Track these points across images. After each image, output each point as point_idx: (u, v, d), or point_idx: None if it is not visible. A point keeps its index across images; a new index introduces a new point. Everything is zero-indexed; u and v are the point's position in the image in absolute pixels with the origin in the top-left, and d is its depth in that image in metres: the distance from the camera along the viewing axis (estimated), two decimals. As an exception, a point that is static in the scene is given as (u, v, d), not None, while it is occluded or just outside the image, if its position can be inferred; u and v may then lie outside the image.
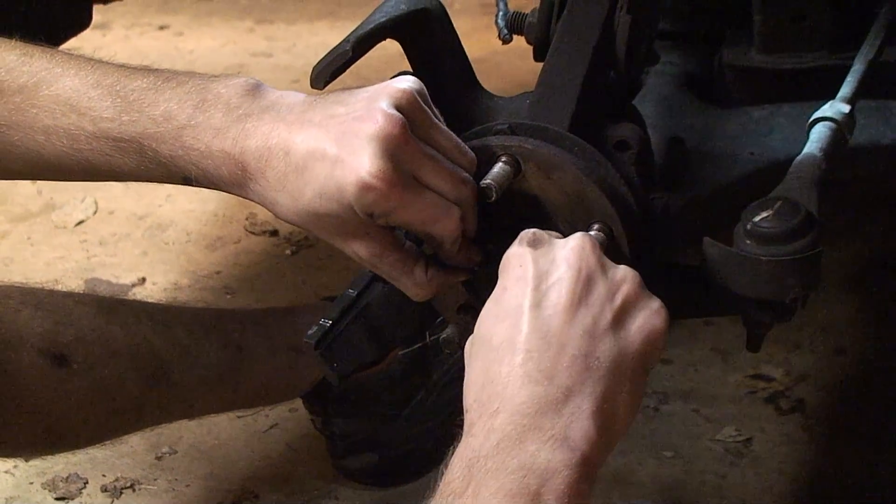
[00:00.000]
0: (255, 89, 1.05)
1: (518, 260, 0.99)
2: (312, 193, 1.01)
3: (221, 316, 1.55)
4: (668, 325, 1.00)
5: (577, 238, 1.00)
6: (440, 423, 1.61)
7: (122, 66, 1.07)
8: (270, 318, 1.57)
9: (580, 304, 0.96)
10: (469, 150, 1.07)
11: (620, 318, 0.97)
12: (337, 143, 1.00)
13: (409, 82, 1.04)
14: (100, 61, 1.08)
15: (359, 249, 1.05)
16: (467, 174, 1.06)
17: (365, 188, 0.99)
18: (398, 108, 1.02)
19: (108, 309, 1.42)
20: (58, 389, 1.33)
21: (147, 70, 1.07)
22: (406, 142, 1.01)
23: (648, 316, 0.99)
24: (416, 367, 1.61)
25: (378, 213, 1.02)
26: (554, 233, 1.03)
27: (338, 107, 1.03)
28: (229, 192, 1.05)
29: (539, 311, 0.96)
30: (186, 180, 1.06)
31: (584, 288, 0.97)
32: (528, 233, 1.01)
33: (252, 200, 1.05)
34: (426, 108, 1.04)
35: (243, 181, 1.03)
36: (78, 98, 1.05)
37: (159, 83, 1.05)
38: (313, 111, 1.03)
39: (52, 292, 1.40)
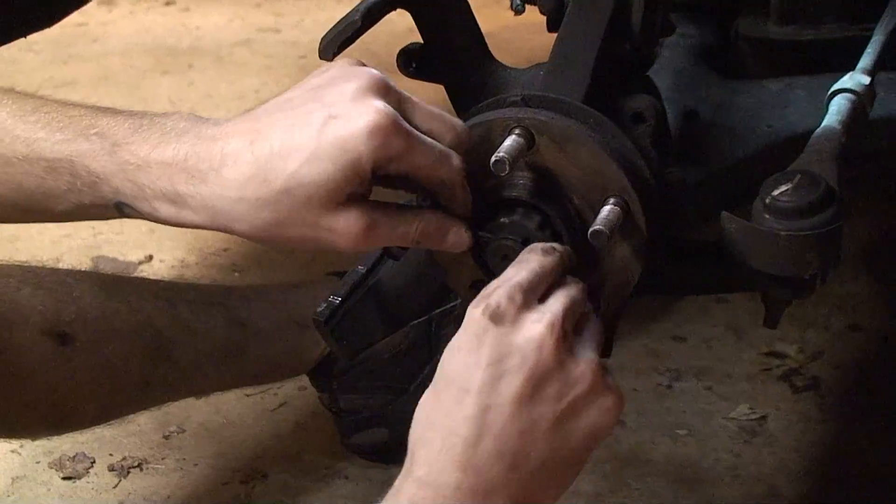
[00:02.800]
0: (196, 118, 1.01)
1: (476, 328, 0.97)
2: (297, 164, 0.95)
3: (225, 292, 1.54)
4: (618, 418, 1.00)
5: (540, 329, 0.97)
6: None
7: (62, 102, 1.06)
8: (275, 293, 1.56)
9: (525, 402, 0.96)
10: None
11: (565, 418, 0.97)
12: (322, 104, 0.97)
13: (346, 61, 1.02)
14: (40, 97, 1.07)
15: (349, 219, 0.98)
16: (449, 115, 1.03)
17: (377, 129, 0.95)
18: None
19: (109, 286, 1.40)
20: (61, 368, 1.32)
21: (87, 105, 1.05)
22: (394, 91, 0.99)
23: (597, 416, 0.99)
24: (421, 341, 1.59)
25: (392, 156, 0.97)
26: (524, 299, 0.99)
27: (291, 94, 1.00)
28: (163, 220, 1.00)
29: (483, 398, 0.96)
30: (119, 206, 1.01)
31: (533, 387, 0.96)
32: (493, 302, 0.97)
33: (193, 221, 0.99)
34: None
35: (186, 192, 0.98)
36: (14, 123, 1.03)
37: (97, 112, 1.03)
38: (263, 108, 1.00)
39: (53, 270, 1.39)
